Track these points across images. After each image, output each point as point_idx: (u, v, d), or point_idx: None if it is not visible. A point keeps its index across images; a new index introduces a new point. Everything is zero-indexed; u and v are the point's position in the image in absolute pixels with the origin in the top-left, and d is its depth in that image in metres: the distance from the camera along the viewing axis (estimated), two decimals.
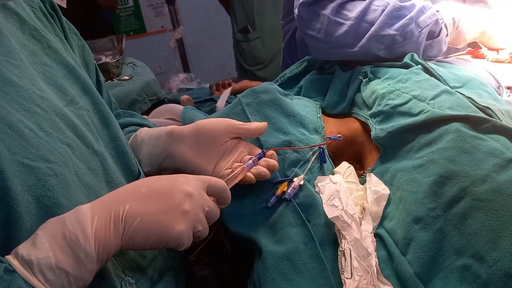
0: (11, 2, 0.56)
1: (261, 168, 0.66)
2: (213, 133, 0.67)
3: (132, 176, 0.64)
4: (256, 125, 0.69)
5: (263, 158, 0.68)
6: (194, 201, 0.51)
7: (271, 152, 0.69)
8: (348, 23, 0.88)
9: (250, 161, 0.66)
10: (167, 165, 0.69)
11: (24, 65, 0.52)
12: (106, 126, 0.62)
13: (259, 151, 0.69)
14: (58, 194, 0.47)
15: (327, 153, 0.76)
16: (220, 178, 0.60)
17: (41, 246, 0.41)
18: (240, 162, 0.67)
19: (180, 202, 0.50)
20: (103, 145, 0.59)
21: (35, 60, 0.55)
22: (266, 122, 0.70)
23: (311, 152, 0.73)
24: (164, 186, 0.51)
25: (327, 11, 0.89)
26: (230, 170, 0.65)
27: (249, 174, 0.64)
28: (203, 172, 0.66)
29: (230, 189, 0.59)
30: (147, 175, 0.70)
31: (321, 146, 0.74)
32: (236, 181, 0.62)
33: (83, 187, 0.52)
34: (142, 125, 0.82)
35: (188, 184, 0.52)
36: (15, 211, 0.42)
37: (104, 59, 1.59)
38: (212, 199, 0.56)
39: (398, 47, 0.88)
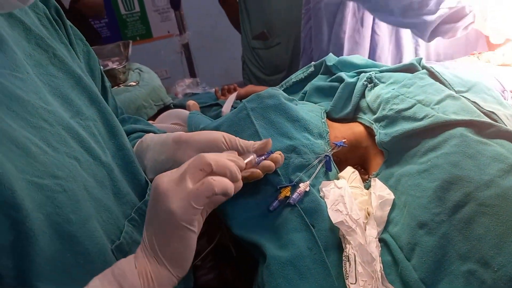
0: (16, 10, 0.55)
1: (265, 162, 0.65)
2: (216, 141, 0.66)
3: (139, 185, 0.64)
4: (254, 145, 0.66)
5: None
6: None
7: (278, 152, 0.69)
8: None
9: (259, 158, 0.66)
10: None
11: (30, 77, 0.51)
12: (113, 136, 0.62)
13: None
14: (67, 211, 0.46)
15: (332, 160, 0.76)
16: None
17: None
18: None
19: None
20: (110, 156, 0.59)
21: (40, 70, 0.54)
22: (268, 141, 0.67)
23: (317, 160, 0.73)
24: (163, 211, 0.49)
25: None
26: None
27: (256, 170, 0.63)
28: None
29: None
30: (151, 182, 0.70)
31: (327, 154, 0.74)
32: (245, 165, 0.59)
33: (92, 200, 0.51)
34: (147, 131, 0.81)
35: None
36: (28, 229, 0.42)
37: (110, 65, 1.60)
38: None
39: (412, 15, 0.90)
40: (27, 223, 0.42)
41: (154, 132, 0.81)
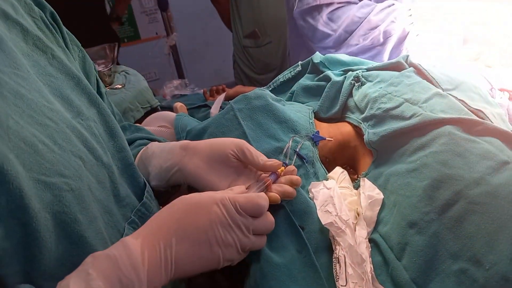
0: (12, 12, 0.54)
1: (285, 186, 0.64)
2: (224, 149, 0.65)
3: (138, 188, 0.63)
4: (265, 161, 0.66)
5: (284, 176, 0.66)
6: (236, 231, 0.53)
7: (292, 167, 0.68)
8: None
9: (273, 175, 0.64)
10: (177, 179, 0.68)
11: (31, 76, 0.50)
12: (113, 137, 0.61)
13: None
14: (74, 210, 0.46)
15: (319, 139, 0.77)
16: (244, 192, 0.59)
17: None
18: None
19: (223, 237, 0.52)
20: (110, 157, 0.58)
21: (39, 70, 0.53)
22: (279, 164, 0.66)
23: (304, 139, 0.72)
24: (204, 223, 0.52)
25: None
26: (255, 182, 0.64)
27: (273, 194, 0.62)
28: (215, 189, 0.64)
29: None
30: (154, 189, 0.69)
31: (312, 134, 0.76)
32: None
33: (96, 201, 0.51)
34: (152, 140, 0.80)
35: (223, 215, 0.53)
36: (34, 230, 0.41)
37: (96, 67, 1.58)
38: None
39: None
40: (34, 223, 0.41)
41: (159, 141, 0.80)
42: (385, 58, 1.26)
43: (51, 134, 0.47)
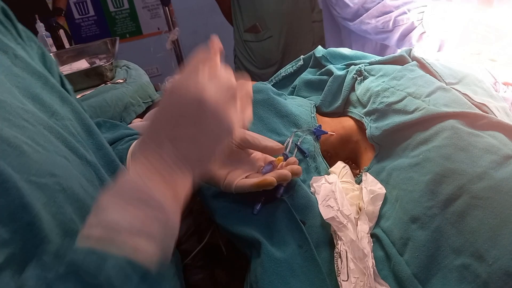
0: None
1: (280, 171, 0.63)
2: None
3: None
4: (272, 144, 0.64)
5: (289, 165, 0.65)
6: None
7: (293, 159, 0.67)
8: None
9: (269, 166, 0.64)
10: None
11: (0, 78, 0.48)
12: (90, 135, 0.59)
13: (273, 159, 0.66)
14: (69, 210, 0.44)
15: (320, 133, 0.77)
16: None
17: None
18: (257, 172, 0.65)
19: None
20: (93, 155, 0.56)
21: (5, 71, 0.50)
22: (282, 147, 0.66)
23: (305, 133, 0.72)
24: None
25: None
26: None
27: (283, 170, 0.62)
28: (214, 178, 0.63)
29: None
30: None
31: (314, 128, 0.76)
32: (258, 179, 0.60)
33: (90, 199, 0.49)
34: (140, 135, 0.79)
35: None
36: (39, 230, 0.39)
37: (98, 62, 1.58)
38: None
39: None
40: (37, 222, 0.39)
41: None
42: (392, 45, 1.34)
43: (31, 136, 0.45)
